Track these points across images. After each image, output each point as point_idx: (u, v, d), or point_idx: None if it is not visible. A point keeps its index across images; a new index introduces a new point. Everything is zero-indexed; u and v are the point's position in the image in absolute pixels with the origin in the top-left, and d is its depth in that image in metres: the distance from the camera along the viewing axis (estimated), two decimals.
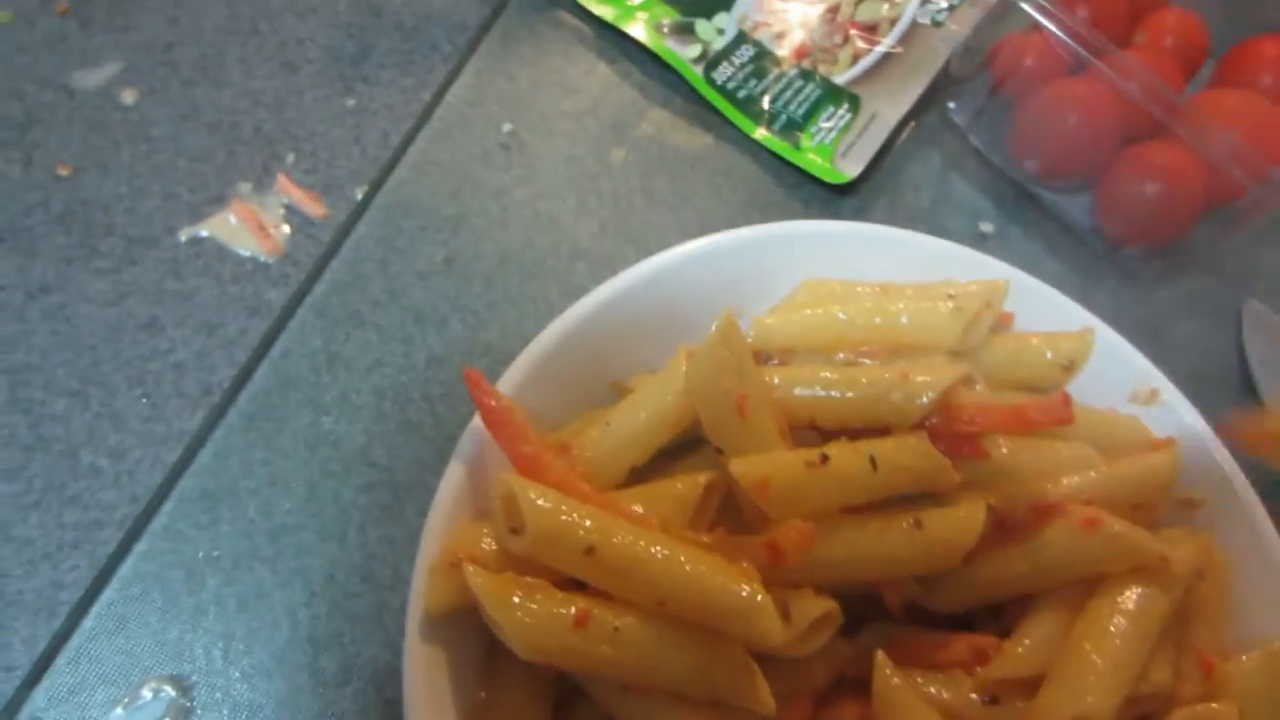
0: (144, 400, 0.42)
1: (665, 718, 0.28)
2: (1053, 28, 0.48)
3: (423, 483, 0.42)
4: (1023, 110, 0.52)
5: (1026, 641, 0.32)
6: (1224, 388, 0.50)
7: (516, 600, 0.27)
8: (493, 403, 0.30)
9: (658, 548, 0.28)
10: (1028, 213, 0.53)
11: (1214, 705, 0.33)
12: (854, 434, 0.34)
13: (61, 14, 0.51)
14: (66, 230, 0.46)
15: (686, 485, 0.31)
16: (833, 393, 0.33)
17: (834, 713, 0.32)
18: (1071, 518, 0.32)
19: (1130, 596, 0.31)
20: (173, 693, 0.37)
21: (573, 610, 0.27)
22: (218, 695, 0.37)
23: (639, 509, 0.29)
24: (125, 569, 0.39)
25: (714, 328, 0.31)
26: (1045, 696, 0.30)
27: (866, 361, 0.35)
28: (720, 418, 0.31)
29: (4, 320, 0.43)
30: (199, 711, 0.37)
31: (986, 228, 0.52)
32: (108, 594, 0.39)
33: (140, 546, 0.40)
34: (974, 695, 0.31)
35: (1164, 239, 0.51)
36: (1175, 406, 0.37)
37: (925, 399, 0.32)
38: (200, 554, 0.40)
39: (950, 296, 0.36)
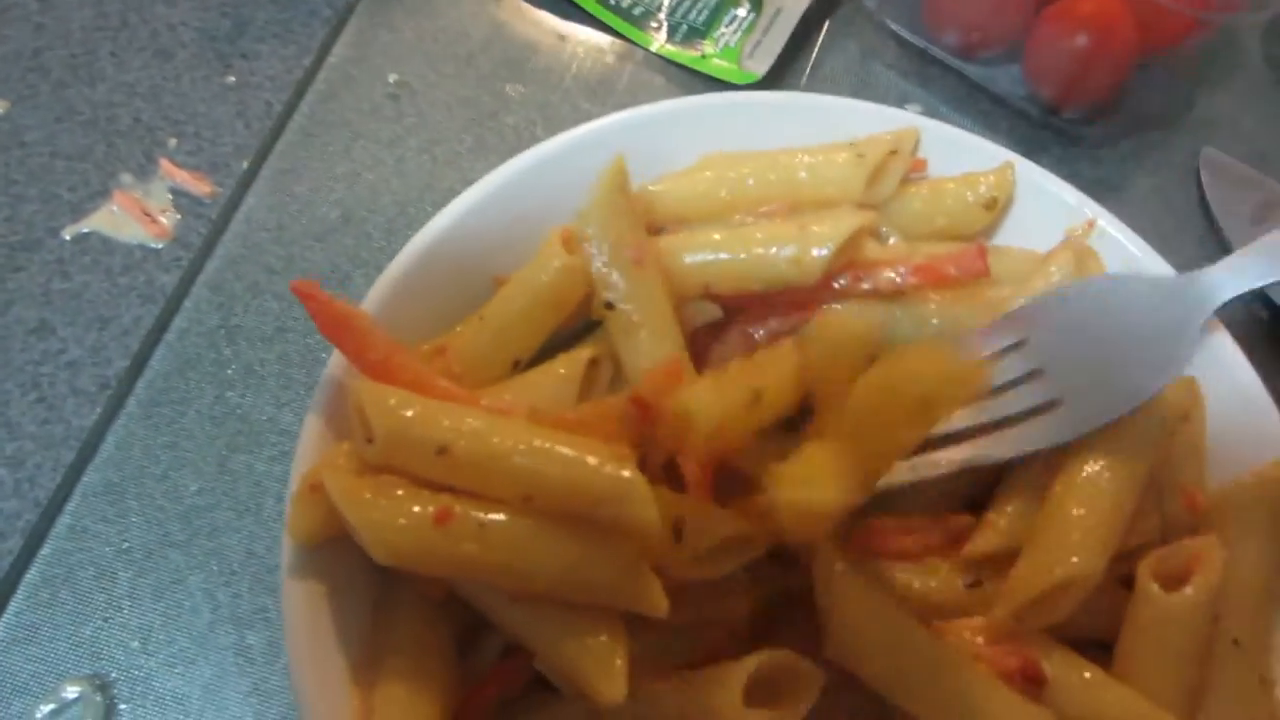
0: (39, 404, 0.40)
1: (558, 627, 0.25)
2: None
3: None
4: None
5: (1008, 509, 0.29)
6: (1188, 240, 0.47)
7: (368, 497, 0.24)
8: (330, 311, 0.28)
9: (517, 438, 0.25)
10: (957, 90, 0.51)
11: (1197, 539, 0.29)
12: (750, 299, 0.31)
13: None
14: None
15: (568, 365, 0.28)
16: (723, 255, 0.30)
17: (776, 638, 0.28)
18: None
19: (1113, 446, 0.28)
20: (92, 693, 0.34)
21: (431, 508, 0.24)
22: (139, 689, 0.35)
23: (508, 399, 0.26)
24: (31, 575, 0.37)
25: (602, 173, 0.28)
26: (1026, 562, 0.27)
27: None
28: (614, 266, 0.28)
29: None
30: (121, 708, 0.34)
31: (915, 109, 0.49)
32: (15, 603, 0.36)
33: (45, 550, 0.37)
34: (954, 580, 0.28)
35: (1101, 95, 0.48)
36: (1116, 236, 0.34)
37: (824, 250, 0.30)
38: (109, 549, 0.37)
39: (852, 146, 0.33)
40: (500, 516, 0.24)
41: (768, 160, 0.33)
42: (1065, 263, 0.32)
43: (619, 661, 0.23)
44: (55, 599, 0.36)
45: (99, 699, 0.34)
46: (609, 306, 0.28)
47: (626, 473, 0.23)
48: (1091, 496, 0.28)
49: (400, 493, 0.24)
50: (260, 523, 0.38)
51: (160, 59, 0.49)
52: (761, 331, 0.31)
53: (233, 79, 0.49)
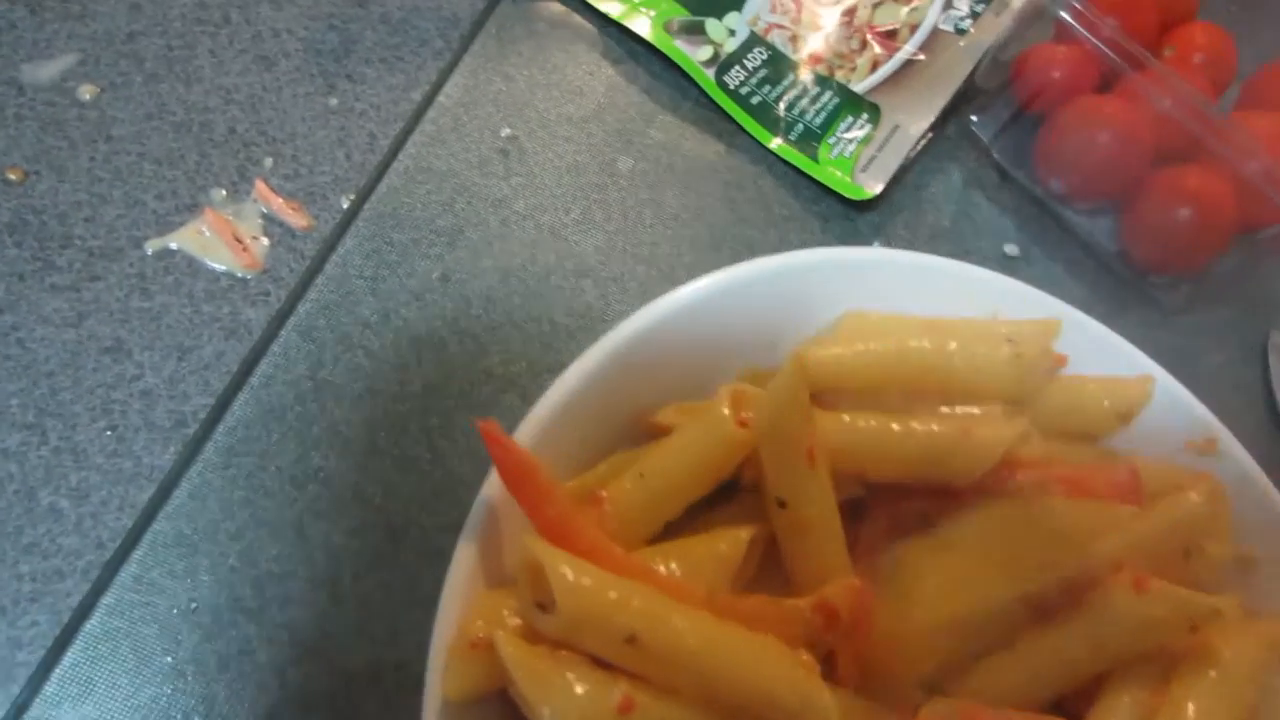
0: (109, 433, 0.38)
1: None
2: (1088, 35, 0.46)
3: (419, 523, 0.38)
4: (1050, 127, 0.50)
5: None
6: (1249, 422, 0.49)
7: (549, 675, 0.24)
8: (512, 460, 0.27)
9: (706, 635, 0.25)
10: (1051, 234, 0.51)
11: None
12: (901, 490, 0.31)
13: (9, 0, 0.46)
14: (18, 242, 0.41)
15: (729, 544, 0.28)
16: (885, 447, 0.30)
17: None
18: (1120, 580, 0.30)
19: (1223, 681, 0.29)
20: None
21: (616, 697, 0.24)
22: None
23: (677, 571, 0.26)
24: (91, 625, 0.35)
25: (785, 367, 0.28)
26: None
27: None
28: (787, 466, 0.28)
29: None
30: None
31: (1011, 249, 0.50)
32: (71, 654, 0.35)
33: (108, 599, 0.36)
34: None
35: (1193, 266, 0.49)
36: (1234, 456, 0.35)
37: (986, 461, 0.30)
38: (176, 608, 0.36)
39: (1009, 340, 0.33)
40: (678, 711, 0.24)
41: (923, 339, 0.33)
42: (1195, 501, 0.33)
43: None
44: (115, 654, 0.35)
45: None
46: (781, 505, 0.28)
47: (817, 691, 0.24)
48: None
49: (581, 673, 0.24)
50: (334, 600, 0.37)
51: (261, 66, 0.47)
52: (905, 514, 0.31)
53: (335, 101, 0.47)
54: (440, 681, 0.26)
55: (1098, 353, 0.36)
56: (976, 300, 0.37)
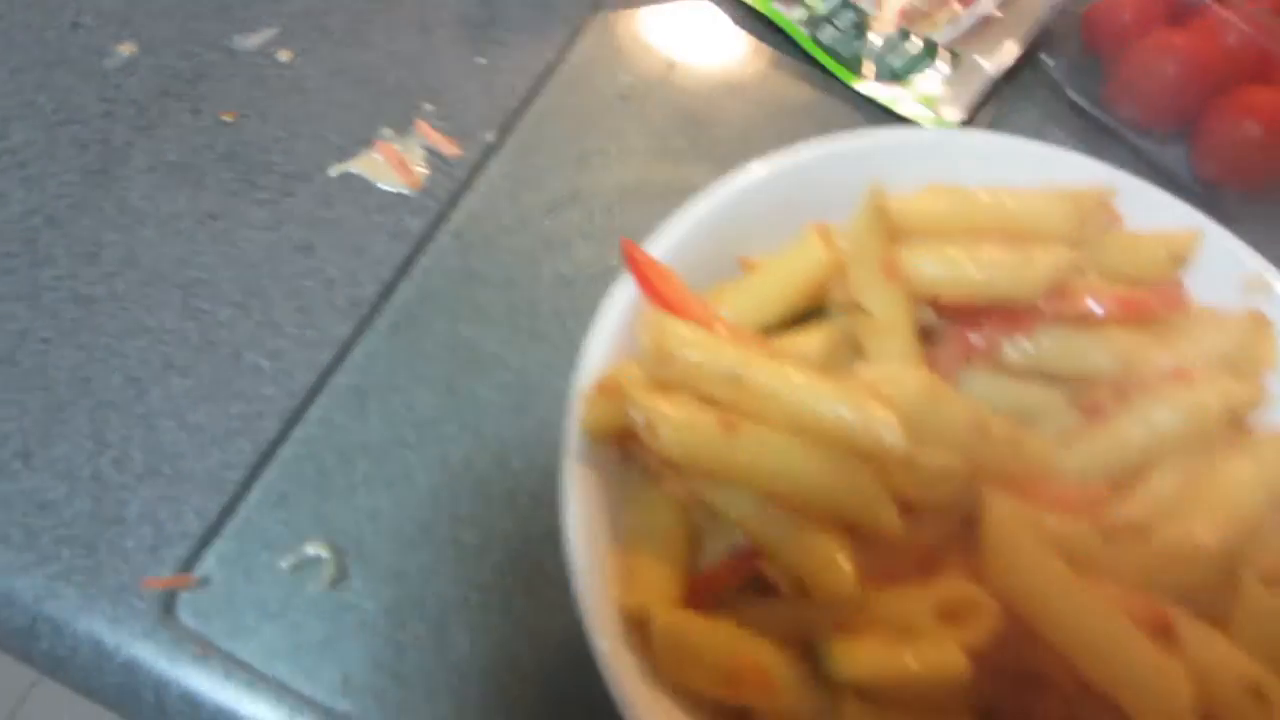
0: (299, 312, 0.46)
1: (798, 533, 0.30)
2: None
3: (550, 385, 0.45)
4: (1120, 64, 0.54)
5: (1151, 487, 0.33)
6: None
7: (665, 402, 0.29)
8: (639, 256, 0.33)
9: (800, 378, 0.30)
10: (1126, 161, 0.55)
11: None
12: (968, 310, 0.36)
13: None
14: (231, 167, 0.50)
15: (822, 339, 0.33)
16: (956, 270, 0.35)
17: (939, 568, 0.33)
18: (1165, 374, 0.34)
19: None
20: (329, 555, 0.40)
21: (720, 418, 0.29)
22: (368, 561, 0.40)
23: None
24: (284, 451, 0.43)
25: (867, 193, 0.33)
26: (1171, 529, 0.31)
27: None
28: (869, 278, 0.33)
29: (178, 243, 0.48)
30: (352, 569, 0.40)
31: None
32: (269, 473, 0.42)
33: (298, 433, 0.43)
34: (1094, 537, 0.32)
35: (1263, 181, 0.52)
36: None
37: (1044, 273, 0.35)
38: (352, 441, 0.43)
39: (1068, 195, 0.38)
40: (773, 434, 0.29)
41: (991, 196, 0.38)
42: (1239, 321, 0.36)
43: (848, 565, 0.28)
44: (303, 474, 0.42)
45: (333, 561, 0.40)
46: (864, 311, 0.33)
47: (888, 422, 0.28)
48: (1237, 490, 0.32)
49: (690, 404, 0.29)
50: (479, 440, 0.43)
51: (423, 34, 0.56)
52: (977, 338, 0.36)
53: (483, 60, 0.55)
54: (580, 417, 0.31)
55: (1153, 211, 0.40)
56: (1043, 175, 0.41)
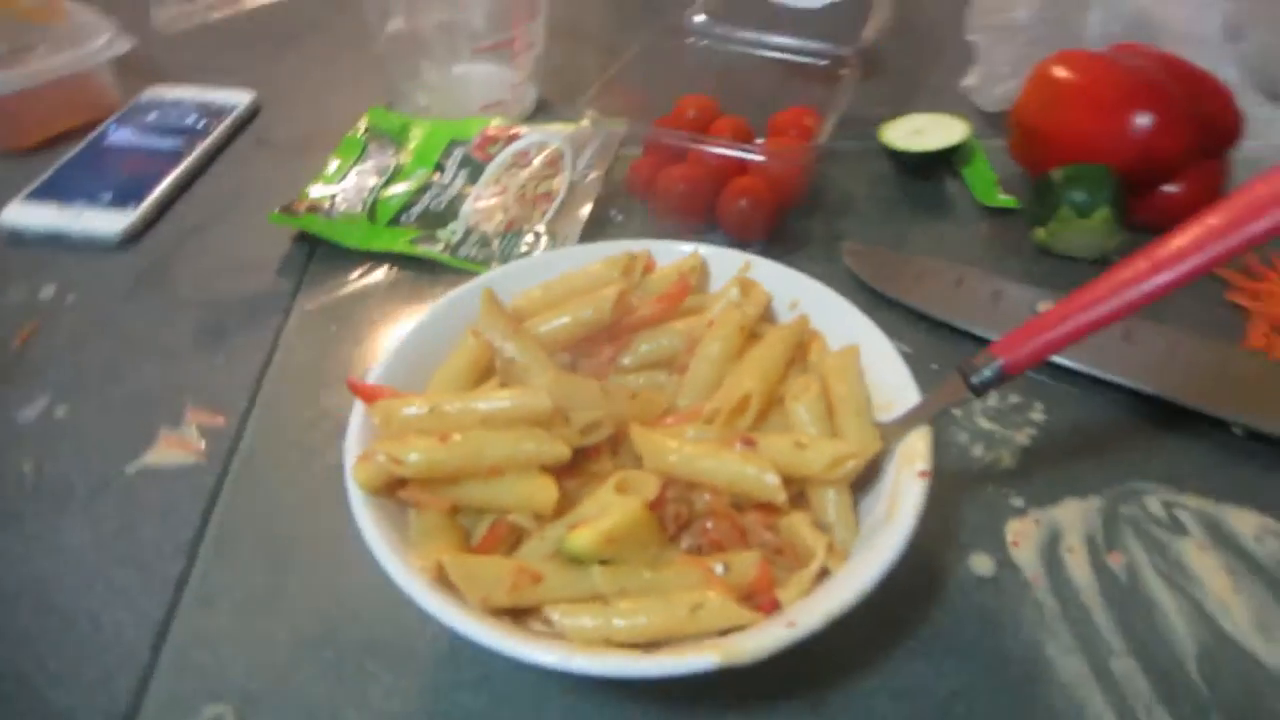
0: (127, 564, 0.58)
1: (513, 486, 0.46)
2: (659, 138, 0.78)
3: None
4: (652, 196, 0.80)
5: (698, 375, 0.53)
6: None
7: (402, 443, 0.46)
8: (363, 385, 0.50)
9: (473, 398, 0.48)
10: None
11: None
12: (582, 342, 0.56)
13: None
14: (37, 502, 0.63)
15: (492, 383, 0.52)
16: (557, 323, 0.55)
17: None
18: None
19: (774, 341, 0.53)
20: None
21: (435, 435, 0.46)
22: None
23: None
24: None
25: (482, 296, 0.53)
26: (722, 392, 0.51)
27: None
28: (505, 339, 0.52)
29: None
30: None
31: None
32: None
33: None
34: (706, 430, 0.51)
35: (753, 229, 0.78)
36: (769, 271, 0.61)
37: (606, 305, 0.55)
38: None
39: (612, 260, 0.60)
40: (474, 431, 0.46)
41: (564, 277, 0.59)
42: (733, 289, 0.59)
43: (552, 487, 0.45)
44: None
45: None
46: (508, 360, 0.52)
47: (539, 396, 0.47)
48: (760, 362, 0.53)
49: (417, 437, 0.46)
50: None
51: (168, 359, 0.72)
52: (607, 355, 0.56)
53: (222, 359, 0.72)
54: (352, 478, 0.47)
55: (717, 262, 0.63)
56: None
